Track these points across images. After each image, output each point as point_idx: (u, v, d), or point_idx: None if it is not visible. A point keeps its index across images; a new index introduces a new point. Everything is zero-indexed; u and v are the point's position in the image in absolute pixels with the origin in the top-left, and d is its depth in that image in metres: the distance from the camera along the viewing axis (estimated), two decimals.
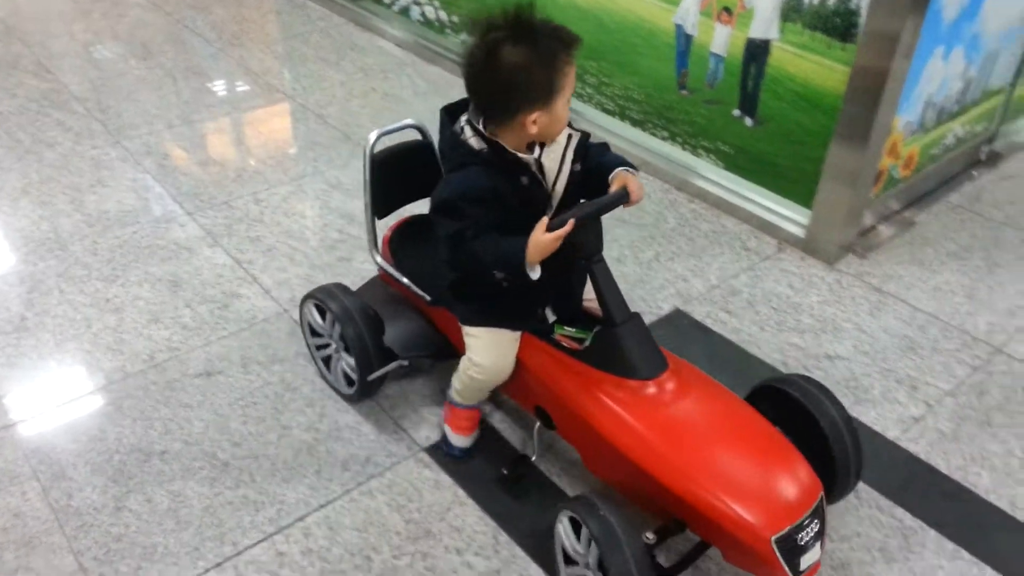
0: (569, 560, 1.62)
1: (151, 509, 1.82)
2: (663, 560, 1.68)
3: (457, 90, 1.64)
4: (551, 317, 1.80)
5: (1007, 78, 3.03)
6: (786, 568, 1.45)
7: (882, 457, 1.99)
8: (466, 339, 1.79)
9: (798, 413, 1.67)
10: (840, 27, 2.37)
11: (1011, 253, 2.74)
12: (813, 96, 2.52)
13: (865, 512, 1.85)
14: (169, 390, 2.12)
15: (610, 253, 2.49)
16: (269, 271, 2.54)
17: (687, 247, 2.72)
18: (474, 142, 1.60)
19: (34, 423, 2.02)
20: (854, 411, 2.11)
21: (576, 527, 1.57)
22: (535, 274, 1.55)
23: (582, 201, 1.64)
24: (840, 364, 2.27)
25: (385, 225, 2.08)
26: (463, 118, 1.63)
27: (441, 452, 1.94)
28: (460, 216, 1.58)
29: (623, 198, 1.62)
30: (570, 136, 1.65)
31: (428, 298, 1.93)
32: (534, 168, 1.61)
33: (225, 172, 3.05)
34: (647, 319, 2.12)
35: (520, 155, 1.59)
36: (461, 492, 1.87)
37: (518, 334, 1.78)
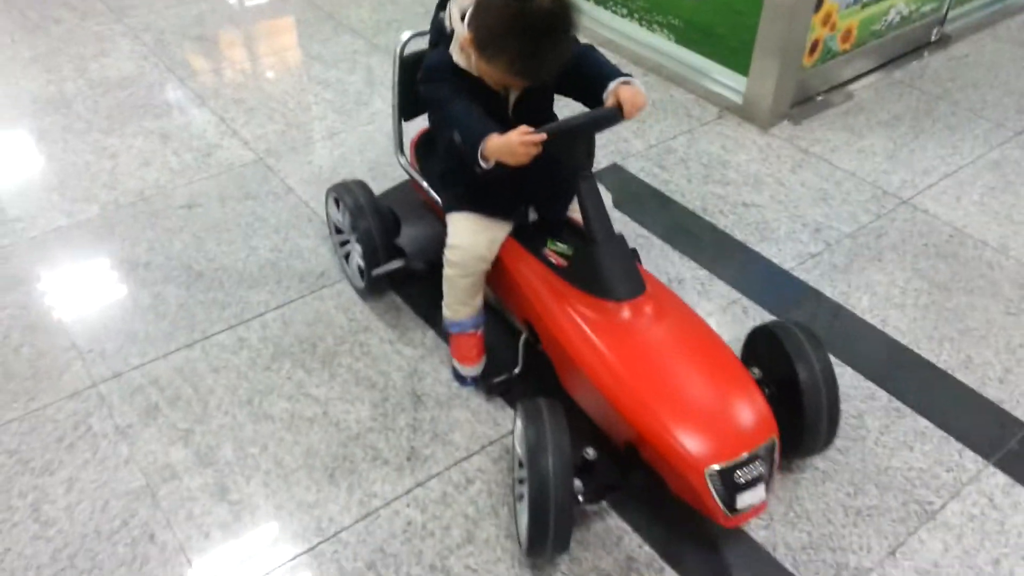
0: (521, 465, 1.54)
1: (135, 305, 2.14)
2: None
3: None
4: (533, 216, 1.83)
5: None
6: (719, 503, 1.43)
7: (776, 284, 2.25)
8: (448, 226, 1.81)
9: (786, 360, 1.62)
10: None
11: (940, 123, 2.92)
12: None
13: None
14: (155, 218, 2.42)
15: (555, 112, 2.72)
16: (249, 127, 2.82)
17: None
18: (446, 24, 1.68)
19: (39, 238, 2.34)
20: (759, 248, 2.36)
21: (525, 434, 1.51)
22: (485, 164, 1.54)
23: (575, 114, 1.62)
24: (754, 210, 2.51)
25: (414, 128, 2.09)
26: (448, 5, 1.70)
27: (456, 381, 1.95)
28: (439, 81, 1.67)
29: (615, 116, 1.60)
30: None
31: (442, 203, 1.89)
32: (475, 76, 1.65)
33: (216, 45, 3.31)
34: None
35: (466, 69, 1.64)
36: (398, 299, 2.17)
37: (500, 228, 1.80)
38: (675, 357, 1.60)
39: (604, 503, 1.69)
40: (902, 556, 1.64)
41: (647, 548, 1.64)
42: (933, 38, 3.36)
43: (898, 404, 1.93)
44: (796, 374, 1.60)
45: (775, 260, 2.33)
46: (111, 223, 2.40)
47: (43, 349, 2.02)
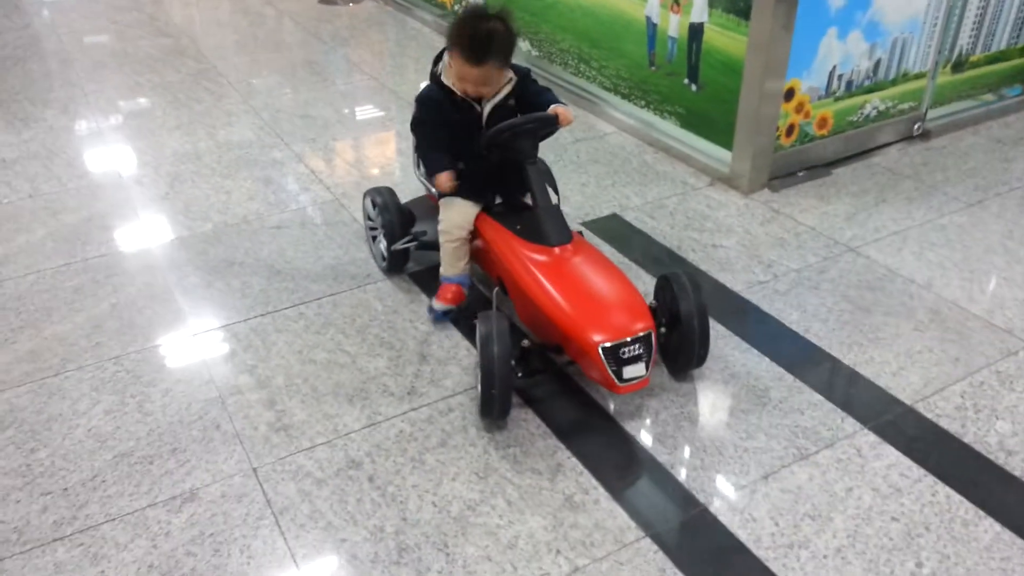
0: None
1: (228, 287, 2.86)
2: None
3: None
4: (498, 199, 2.57)
5: (927, 64, 3.72)
6: (610, 372, 2.08)
7: (723, 300, 2.78)
8: (440, 206, 2.56)
9: (674, 297, 2.29)
10: (743, 8, 3.21)
11: (902, 196, 3.43)
12: (732, 63, 3.35)
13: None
14: (251, 233, 3.18)
15: (579, 180, 3.48)
16: (332, 178, 3.60)
17: (638, 180, 3.58)
18: (439, 69, 2.50)
19: (163, 244, 3.12)
20: (718, 276, 2.91)
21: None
22: (433, 189, 2.45)
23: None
24: (720, 250, 3.06)
25: None
26: (444, 58, 2.51)
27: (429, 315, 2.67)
28: (421, 111, 2.50)
29: (552, 120, 2.33)
30: (510, 79, 2.48)
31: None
32: (459, 96, 2.40)
33: (316, 121, 4.17)
34: (591, 220, 3.15)
35: (450, 86, 2.38)
36: (423, 296, 2.81)
37: (473, 207, 2.51)
38: (587, 281, 2.27)
39: (554, 434, 2.24)
40: (773, 480, 2.10)
41: (574, 459, 2.16)
42: (915, 132, 3.89)
43: (800, 384, 2.41)
44: (679, 306, 2.26)
45: (728, 285, 2.86)
46: (219, 235, 3.18)
47: (158, 310, 2.75)
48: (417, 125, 2.56)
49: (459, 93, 2.41)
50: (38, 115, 4.25)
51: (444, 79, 2.43)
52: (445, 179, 2.44)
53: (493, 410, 2.17)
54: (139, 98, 4.48)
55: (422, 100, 2.50)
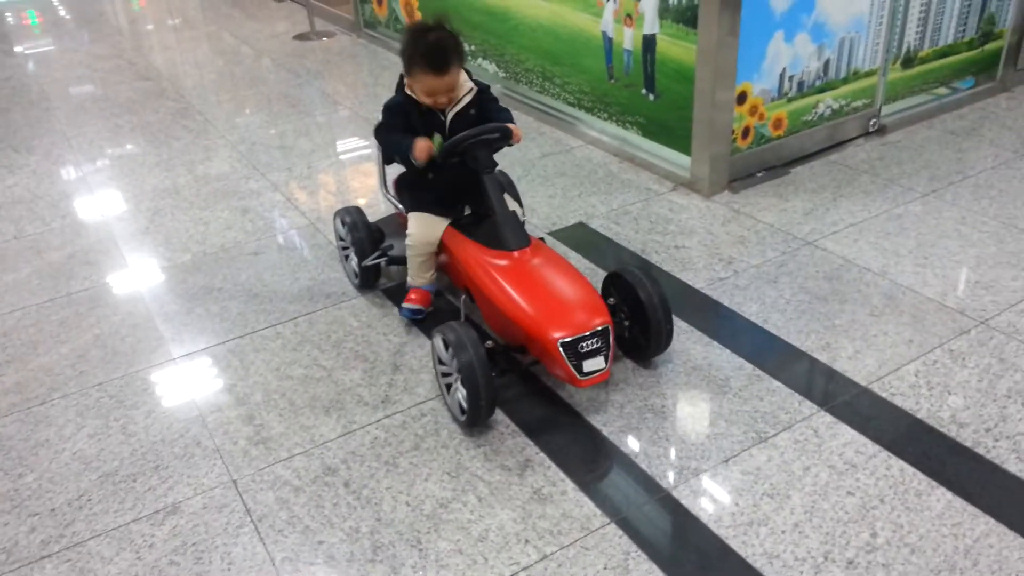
0: (441, 362, 2.36)
1: (207, 312, 2.95)
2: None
3: None
4: (467, 210, 2.70)
5: (876, 62, 3.85)
6: (570, 366, 2.18)
7: (685, 297, 2.88)
8: (409, 220, 2.73)
9: (632, 291, 2.41)
10: (691, 18, 3.34)
11: (859, 190, 3.54)
12: (684, 71, 3.47)
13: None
14: (230, 260, 3.28)
15: (546, 192, 3.59)
16: (307, 204, 3.71)
17: (604, 189, 3.69)
18: (406, 81, 2.62)
19: (145, 274, 3.22)
20: (680, 275, 3.00)
21: (445, 344, 2.27)
22: (416, 162, 2.46)
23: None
24: (682, 251, 3.16)
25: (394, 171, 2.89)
26: None
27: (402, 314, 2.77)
28: (387, 115, 2.61)
29: (507, 131, 2.44)
30: (471, 89, 2.61)
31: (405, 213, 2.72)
32: (424, 107, 2.54)
33: (291, 152, 4.29)
34: (558, 228, 3.27)
35: (414, 95, 2.50)
36: (395, 310, 2.91)
37: (441, 221, 2.61)
38: (546, 282, 2.37)
39: (523, 432, 2.32)
40: (732, 463, 2.19)
41: (542, 454, 2.25)
42: (871, 128, 4.01)
43: (760, 372, 2.50)
44: (639, 297, 2.38)
45: (690, 283, 2.96)
46: (199, 264, 3.28)
47: (140, 337, 2.84)
48: (382, 128, 2.65)
49: (428, 105, 2.51)
50: (22, 162, 4.36)
51: (409, 92, 2.54)
52: (423, 145, 2.44)
53: (480, 413, 2.23)
54: (119, 139, 4.60)
55: (389, 107, 2.60)
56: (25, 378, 2.67)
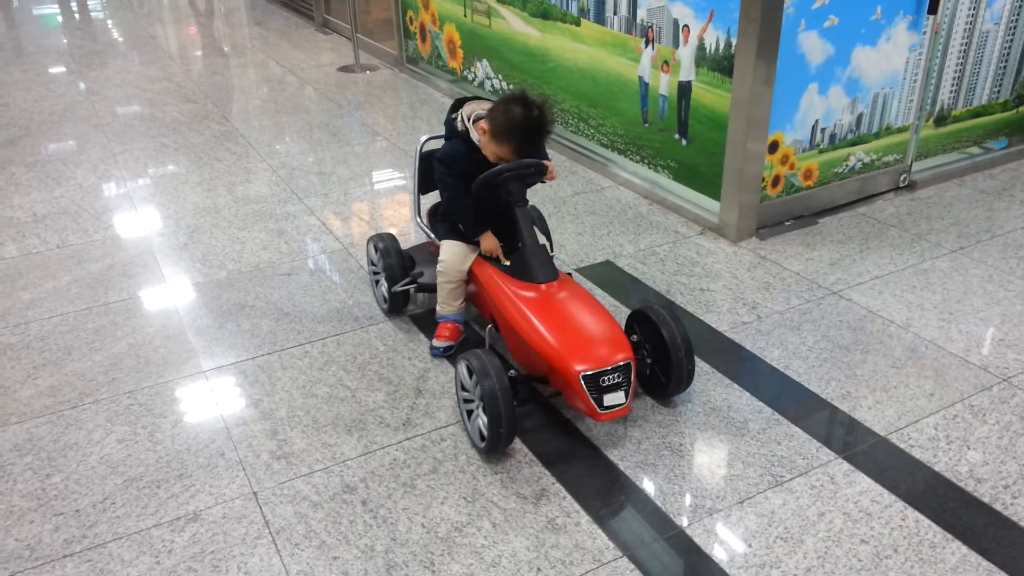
0: (463, 388, 2.40)
1: (238, 328, 3.03)
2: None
3: None
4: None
5: (909, 119, 3.89)
6: (590, 399, 2.21)
7: (709, 340, 2.90)
8: (441, 248, 2.79)
9: (656, 330, 2.45)
10: (726, 67, 3.41)
11: (886, 243, 3.56)
12: (718, 118, 3.54)
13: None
14: (263, 280, 3.37)
15: (575, 230, 3.66)
16: (342, 229, 3.80)
17: (632, 229, 3.74)
18: (458, 125, 2.66)
19: (180, 288, 3.31)
20: (704, 317, 3.03)
21: (469, 371, 2.32)
22: (485, 250, 2.62)
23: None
24: (708, 294, 3.19)
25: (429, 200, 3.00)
26: (460, 111, 2.68)
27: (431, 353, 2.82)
28: (446, 165, 2.66)
29: (539, 168, 2.48)
30: None
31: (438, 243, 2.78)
32: (483, 155, 2.60)
33: (328, 179, 4.40)
34: (585, 265, 3.31)
35: (479, 145, 2.55)
36: (422, 336, 2.96)
37: (472, 250, 2.68)
38: (571, 315, 2.40)
39: (540, 462, 2.35)
40: (748, 505, 2.19)
41: (558, 485, 2.27)
42: (901, 183, 4.04)
43: (779, 417, 2.51)
44: (662, 336, 2.41)
45: (714, 325, 2.99)
46: (233, 281, 3.36)
47: (172, 348, 2.92)
48: (448, 185, 2.66)
49: (476, 142, 2.57)
50: (69, 174, 4.51)
51: (473, 137, 2.57)
52: (490, 246, 2.61)
53: (500, 440, 2.26)
54: (164, 158, 4.75)
55: (449, 158, 2.63)
56: (59, 382, 2.75)
